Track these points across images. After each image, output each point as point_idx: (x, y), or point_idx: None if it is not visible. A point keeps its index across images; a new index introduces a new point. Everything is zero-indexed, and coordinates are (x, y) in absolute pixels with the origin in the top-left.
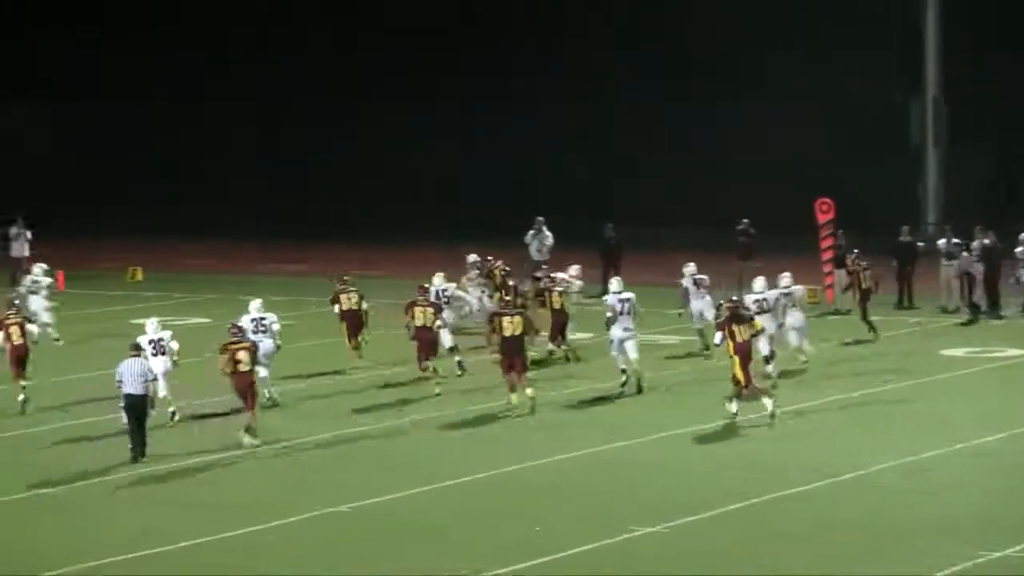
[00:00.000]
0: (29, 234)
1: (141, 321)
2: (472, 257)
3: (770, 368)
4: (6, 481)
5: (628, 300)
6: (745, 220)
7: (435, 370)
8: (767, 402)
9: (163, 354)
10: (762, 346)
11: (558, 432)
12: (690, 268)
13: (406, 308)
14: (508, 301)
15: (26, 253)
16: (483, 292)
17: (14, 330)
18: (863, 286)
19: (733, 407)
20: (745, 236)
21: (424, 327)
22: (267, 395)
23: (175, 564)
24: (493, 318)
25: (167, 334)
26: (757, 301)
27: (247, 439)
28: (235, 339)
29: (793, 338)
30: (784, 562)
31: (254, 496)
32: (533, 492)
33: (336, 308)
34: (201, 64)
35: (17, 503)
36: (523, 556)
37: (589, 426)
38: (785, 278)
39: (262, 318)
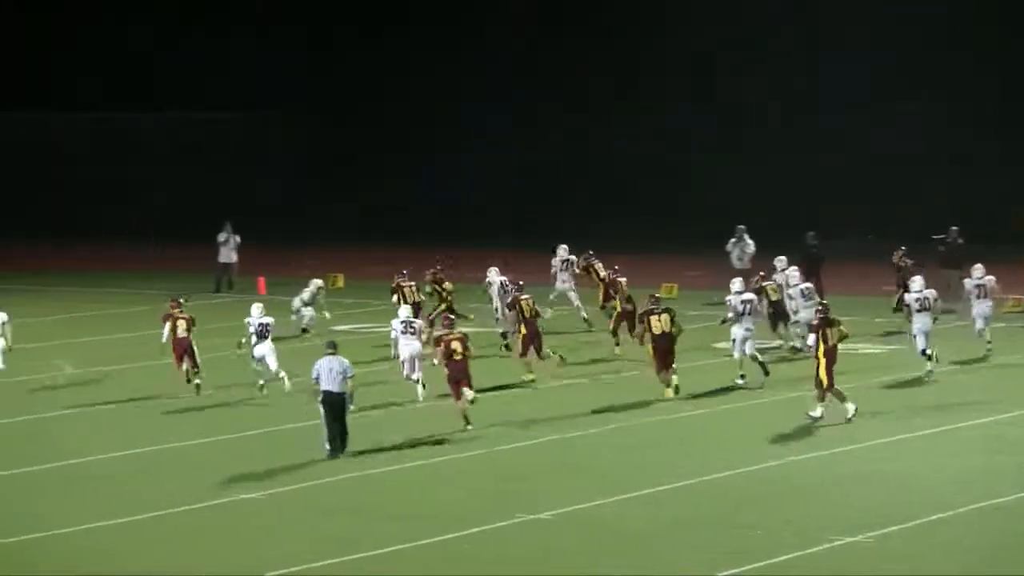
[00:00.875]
0: (237, 239)
1: (344, 327)
2: (562, 248)
3: (930, 366)
4: (212, 484)
5: (749, 301)
6: (954, 228)
7: (561, 357)
8: (848, 406)
9: (266, 337)
10: (919, 342)
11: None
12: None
13: (510, 305)
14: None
15: (234, 259)
16: (572, 285)
17: (180, 323)
18: None
19: (817, 412)
20: (946, 244)
21: (530, 318)
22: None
23: (367, 567)
24: (644, 317)
25: (271, 320)
26: (918, 299)
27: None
28: (448, 331)
29: (979, 324)
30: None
31: (449, 504)
32: (740, 498)
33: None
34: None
35: (219, 508)
36: (733, 563)
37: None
38: (978, 269)
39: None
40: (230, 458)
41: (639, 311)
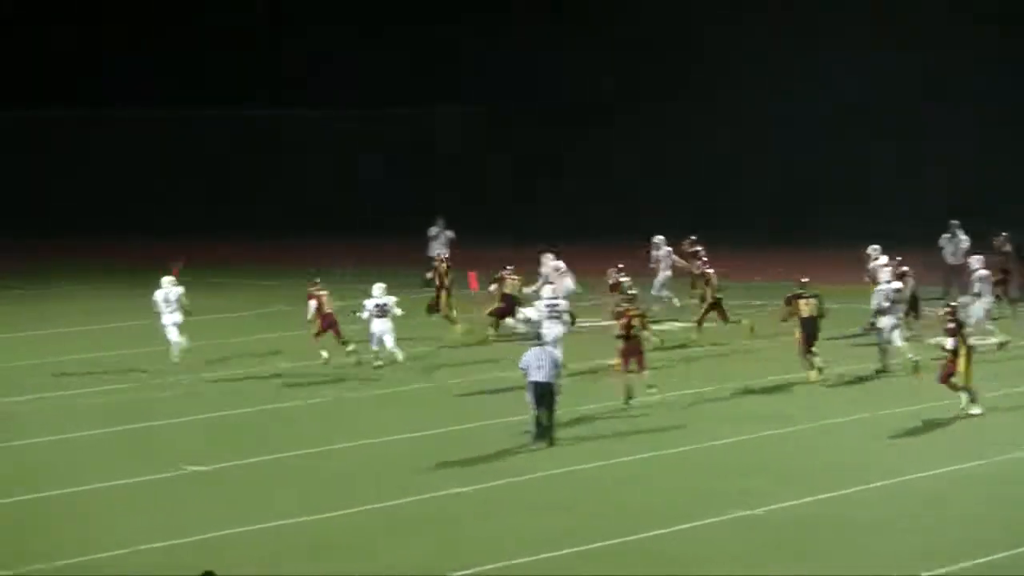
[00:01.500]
0: (450, 233)
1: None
2: (658, 238)
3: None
4: (416, 479)
5: (898, 291)
6: None
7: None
8: (971, 401)
9: (385, 316)
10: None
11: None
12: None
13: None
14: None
15: (445, 253)
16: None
17: (325, 300)
18: None
19: (976, 409)
20: None
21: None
22: None
23: (579, 566)
24: (792, 300)
25: (391, 299)
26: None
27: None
28: (628, 306)
29: None
30: None
31: (655, 500)
32: (948, 497)
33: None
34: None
35: (423, 503)
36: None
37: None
38: None
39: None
40: (432, 454)
41: (788, 294)
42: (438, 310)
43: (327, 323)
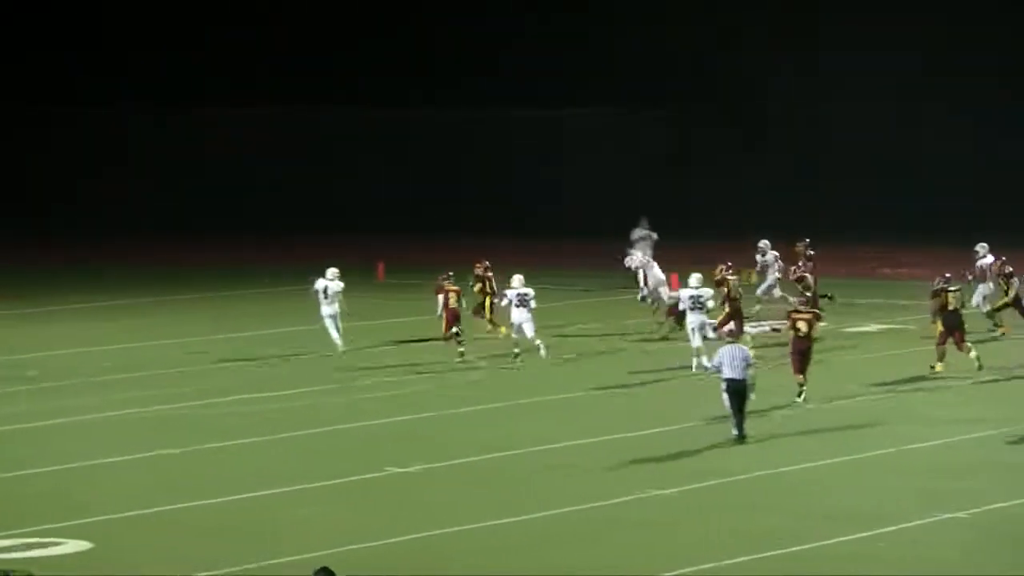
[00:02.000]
0: (655, 236)
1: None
2: (765, 243)
3: None
4: (617, 479)
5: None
6: None
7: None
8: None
9: (524, 306)
10: None
11: None
12: None
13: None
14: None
15: (649, 255)
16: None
17: (452, 295)
18: None
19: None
20: None
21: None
22: None
23: (781, 568)
24: (938, 293)
25: (530, 291)
26: None
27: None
28: (799, 309)
29: None
30: None
31: (863, 501)
32: None
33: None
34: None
35: (626, 505)
36: None
37: None
38: None
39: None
40: (620, 456)
41: (934, 287)
42: (482, 315)
43: (452, 317)
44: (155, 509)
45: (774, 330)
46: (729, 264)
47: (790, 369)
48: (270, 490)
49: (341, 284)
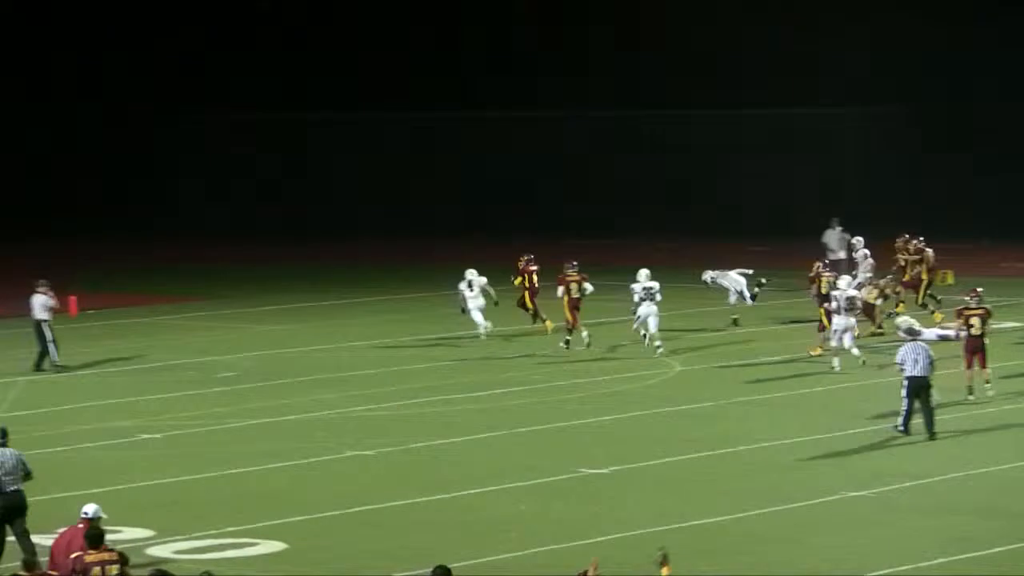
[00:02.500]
0: (847, 235)
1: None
2: (859, 240)
3: None
4: (817, 483)
5: None
6: None
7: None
8: None
9: (651, 300)
10: None
11: None
12: None
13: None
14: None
15: (842, 255)
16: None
17: (573, 285)
18: None
19: None
20: None
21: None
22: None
23: (977, 570)
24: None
25: (656, 284)
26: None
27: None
28: (970, 307)
29: None
30: None
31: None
32: None
33: None
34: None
35: (827, 505)
36: None
37: None
38: None
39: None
40: (811, 457)
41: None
42: (526, 308)
43: (571, 306)
44: (351, 509)
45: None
46: (825, 262)
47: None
48: (469, 490)
49: (484, 278)
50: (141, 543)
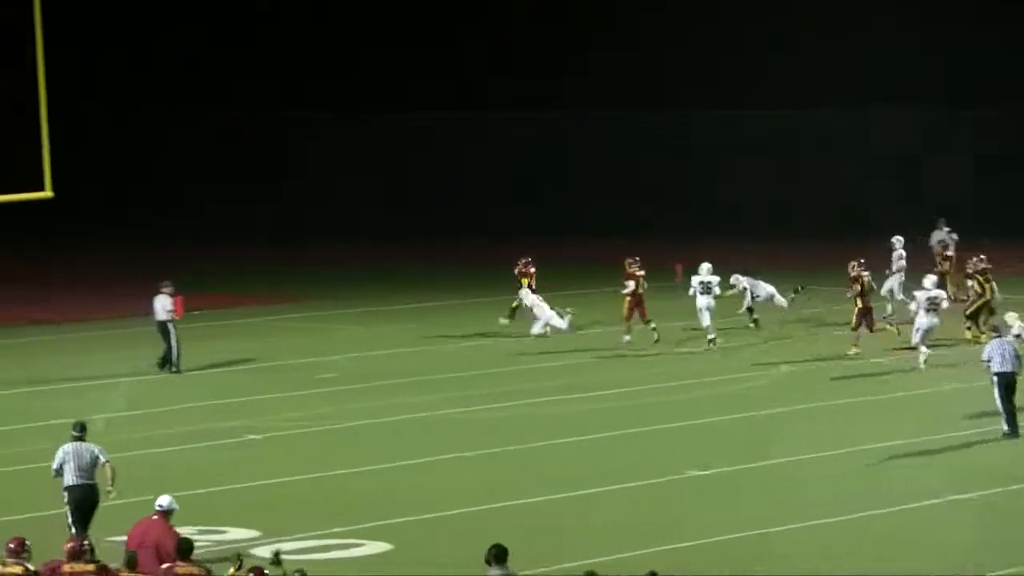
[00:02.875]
0: (955, 236)
1: None
2: (898, 240)
3: None
4: (921, 485)
5: None
6: None
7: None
8: None
9: (708, 294)
10: None
11: None
12: None
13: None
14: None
15: (950, 252)
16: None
17: (639, 281)
18: None
19: None
20: None
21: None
22: None
23: None
24: None
25: (715, 279)
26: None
27: None
28: None
29: None
30: None
31: None
32: None
33: None
34: None
35: (931, 508)
36: None
37: None
38: None
39: (708, 281)
40: (914, 459)
41: None
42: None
43: (635, 303)
44: (454, 511)
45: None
46: (862, 261)
47: None
48: (572, 492)
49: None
50: (246, 543)
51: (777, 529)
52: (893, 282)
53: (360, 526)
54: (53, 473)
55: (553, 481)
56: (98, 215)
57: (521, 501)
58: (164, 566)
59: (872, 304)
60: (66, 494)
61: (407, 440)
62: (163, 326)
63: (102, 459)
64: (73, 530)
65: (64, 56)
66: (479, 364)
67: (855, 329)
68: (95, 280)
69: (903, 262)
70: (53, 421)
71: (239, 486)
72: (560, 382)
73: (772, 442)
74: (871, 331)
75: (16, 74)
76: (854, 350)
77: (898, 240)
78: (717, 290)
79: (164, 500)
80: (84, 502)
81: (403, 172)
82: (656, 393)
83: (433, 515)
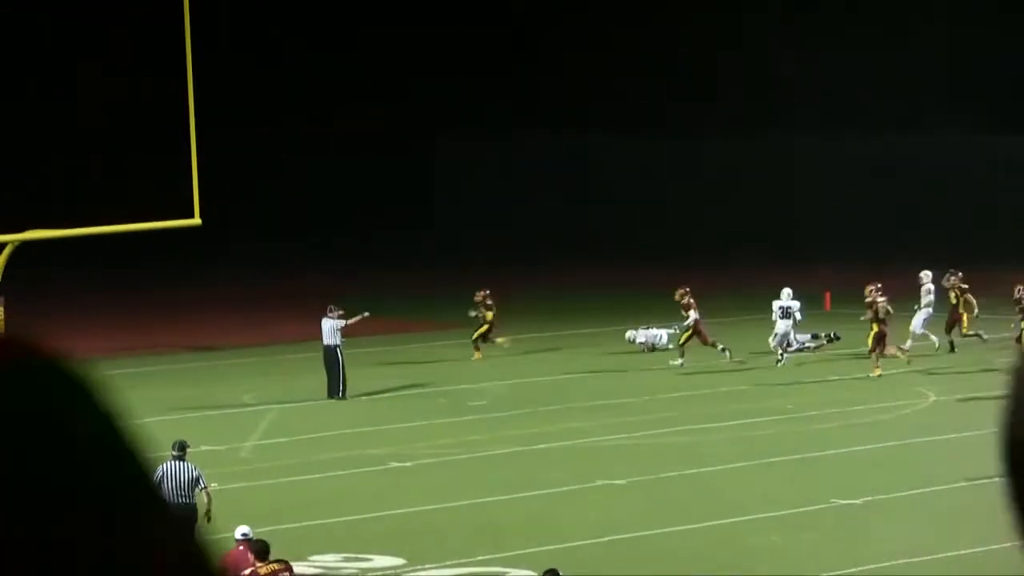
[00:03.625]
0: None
1: None
2: (926, 275)
3: None
4: None
5: None
6: None
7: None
8: None
9: (788, 318)
10: None
11: None
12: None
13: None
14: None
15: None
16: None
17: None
18: None
19: None
20: None
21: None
22: None
23: None
24: None
25: (796, 304)
26: None
27: None
28: None
29: None
30: None
31: None
32: None
33: None
34: None
35: None
36: None
37: None
38: None
39: (788, 306)
40: None
41: None
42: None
43: (698, 328)
44: (603, 538)
45: None
46: (878, 286)
47: None
48: (720, 520)
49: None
50: (392, 571)
51: (914, 560)
52: (920, 318)
53: (507, 554)
54: None
55: (702, 509)
56: (253, 239)
57: (669, 529)
58: (246, 572)
59: (887, 330)
60: None
61: (556, 467)
62: (331, 351)
63: (202, 483)
64: None
65: (238, 74)
66: (633, 391)
67: (873, 351)
68: (246, 305)
69: (931, 296)
70: (204, 447)
71: (384, 513)
72: (714, 410)
73: (922, 472)
74: (883, 355)
75: (166, 103)
76: (877, 372)
77: (927, 275)
78: (798, 316)
79: (240, 531)
80: None
81: (564, 194)
82: (804, 421)
83: (581, 543)
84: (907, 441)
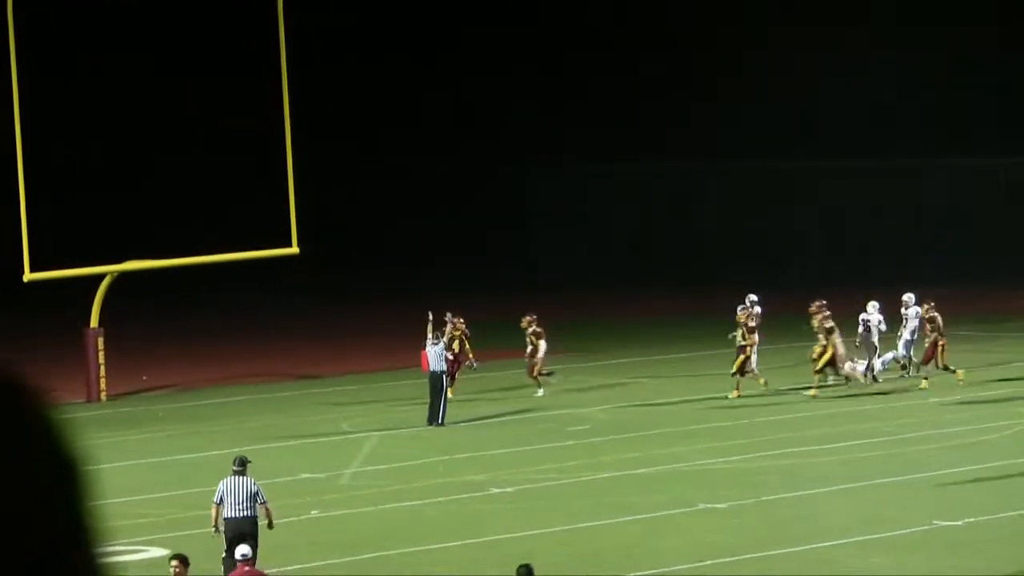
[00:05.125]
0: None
1: None
2: (909, 297)
3: None
4: None
5: None
6: None
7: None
8: None
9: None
10: None
11: None
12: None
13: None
14: None
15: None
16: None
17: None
18: None
19: None
20: None
21: None
22: None
23: None
24: None
25: (875, 318)
26: None
27: None
28: None
29: None
30: None
31: None
32: None
33: None
34: None
35: None
36: None
37: None
38: None
39: (867, 319)
40: None
41: None
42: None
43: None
44: (704, 562)
45: None
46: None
47: None
48: (822, 542)
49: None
50: None
51: None
52: (904, 340)
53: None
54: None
55: (804, 532)
56: (354, 268)
57: (772, 552)
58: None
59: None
60: (224, 524)
61: (656, 492)
62: (436, 377)
63: (261, 497)
64: (224, 555)
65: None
66: (731, 416)
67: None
68: (339, 332)
69: (916, 321)
70: (303, 475)
71: (482, 540)
72: (811, 433)
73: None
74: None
75: (264, 134)
76: (925, 384)
77: (910, 297)
78: (880, 328)
79: (239, 551)
80: (240, 533)
81: (638, 221)
82: (904, 444)
83: (681, 567)
84: (1008, 462)
